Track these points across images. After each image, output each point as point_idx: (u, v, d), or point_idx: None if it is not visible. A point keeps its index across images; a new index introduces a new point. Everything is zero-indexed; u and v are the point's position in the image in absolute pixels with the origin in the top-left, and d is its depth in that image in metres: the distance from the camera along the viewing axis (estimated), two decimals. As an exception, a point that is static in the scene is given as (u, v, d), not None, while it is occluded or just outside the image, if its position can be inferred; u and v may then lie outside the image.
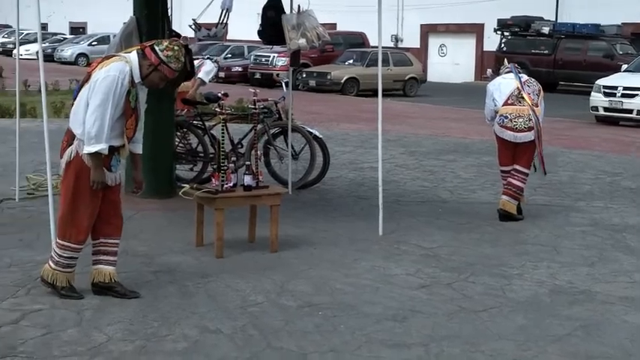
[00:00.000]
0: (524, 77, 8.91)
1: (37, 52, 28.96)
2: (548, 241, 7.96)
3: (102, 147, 5.59)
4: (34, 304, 5.69)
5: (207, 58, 11.79)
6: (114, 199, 5.91)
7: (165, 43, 5.76)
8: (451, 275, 6.75)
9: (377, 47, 8.26)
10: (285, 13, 9.37)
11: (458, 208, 9.48)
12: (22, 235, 7.60)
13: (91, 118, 5.54)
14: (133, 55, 5.70)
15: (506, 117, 8.61)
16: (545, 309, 5.99)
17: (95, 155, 5.61)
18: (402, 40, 42.18)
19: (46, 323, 5.35)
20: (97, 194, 5.72)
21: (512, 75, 8.85)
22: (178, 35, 9.79)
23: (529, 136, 8.57)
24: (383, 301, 6.03)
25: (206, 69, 10.83)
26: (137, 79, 5.68)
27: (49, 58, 39.53)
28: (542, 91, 8.95)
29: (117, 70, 5.58)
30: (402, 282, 6.52)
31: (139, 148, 5.98)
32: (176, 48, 5.69)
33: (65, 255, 5.79)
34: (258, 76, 30.72)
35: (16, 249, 7.14)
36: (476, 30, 39.81)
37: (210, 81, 11.00)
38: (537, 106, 8.68)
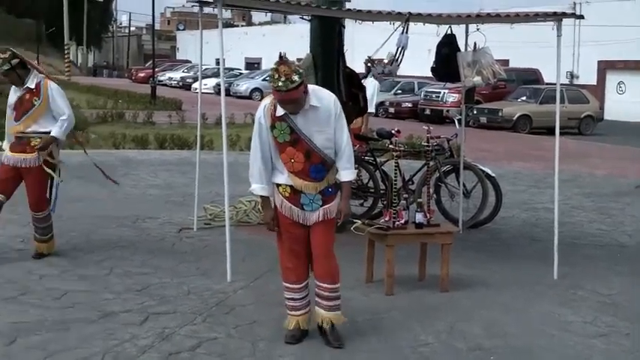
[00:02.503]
0: None
1: (214, 87, 29.99)
2: None
3: (252, 187, 5.69)
4: (210, 332, 5.87)
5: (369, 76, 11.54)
6: (319, 238, 5.61)
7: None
8: (631, 325, 6.43)
9: (551, 84, 8.09)
10: (459, 50, 9.31)
11: (638, 253, 9.06)
12: (199, 264, 7.88)
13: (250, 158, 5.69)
14: None
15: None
16: None
17: (260, 196, 5.72)
18: (577, 77, 41.03)
19: (222, 352, 5.50)
20: (289, 233, 5.66)
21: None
22: (353, 72, 9.98)
23: None
24: (558, 349, 5.82)
25: (369, 95, 10.83)
26: (280, 112, 5.47)
27: (225, 92, 40.98)
28: None
29: (259, 110, 5.61)
30: (579, 329, 6.28)
31: (345, 175, 5.61)
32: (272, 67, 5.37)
33: (285, 296, 5.84)
34: (428, 112, 30.70)
35: (193, 277, 7.40)
36: (657, 66, 38.18)
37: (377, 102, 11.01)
38: None
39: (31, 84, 7.75)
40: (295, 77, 5.22)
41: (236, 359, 5.38)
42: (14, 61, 7.70)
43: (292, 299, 5.77)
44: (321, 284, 5.64)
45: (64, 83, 51.05)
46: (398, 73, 9.94)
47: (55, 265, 7.63)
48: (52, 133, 7.72)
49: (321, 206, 5.57)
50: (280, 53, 5.37)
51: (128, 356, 5.35)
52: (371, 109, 10.94)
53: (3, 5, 73.82)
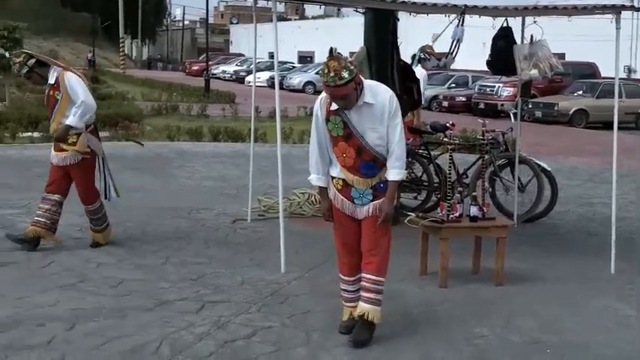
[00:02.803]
0: None
1: (267, 80, 30.16)
2: None
3: (310, 177, 5.74)
4: (265, 322, 5.92)
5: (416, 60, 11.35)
6: (367, 233, 5.56)
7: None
8: (691, 321, 6.33)
9: (608, 78, 7.98)
10: (516, 43, 9.22)
11: (697, 249, 8.89)
12: (253, 255, 7.94)
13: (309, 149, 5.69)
14: None
15: None
16: None
17: (318, 186, 5.75)
18: (635, 71, 40.32)
19: (276, 340, 5.54)
20: (341, 226, 5.68)
21: None
22: (407, 65, 9.95)
23: None
24: (615, 344, 5.75)
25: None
26: (335, 106, 5.42)
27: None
28: None
29: (316, 102, 5.58)
30: (637, 325, 6.19)
31: (392, 174, 5.49)
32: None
33: (340, 287, 5.86)
34: (482, 106, 30.42)
35: (248, 267, 7.46)
36: None
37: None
38: None
39: (51, 79, 7.74)
40: (344, 74, 5.15)
41: (290, 348, 5.41)
42: (31, 62, 7.73)
43: (346, 291, 5.79)
44: (365, 275, 5.60)
45: (119, 76, 51.86)
46: (452, 67, 9.90)
47: (112, 254, 7.75)
48: (66, 122, 7.63)
49: (371, 201, 5.52)
50: (331, 48, 5.32)
51: (185, 343, 5.42)
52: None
53: (59, -1, 75.15)
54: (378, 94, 5.41)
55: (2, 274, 6.97)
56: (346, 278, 5.77)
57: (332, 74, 5.15)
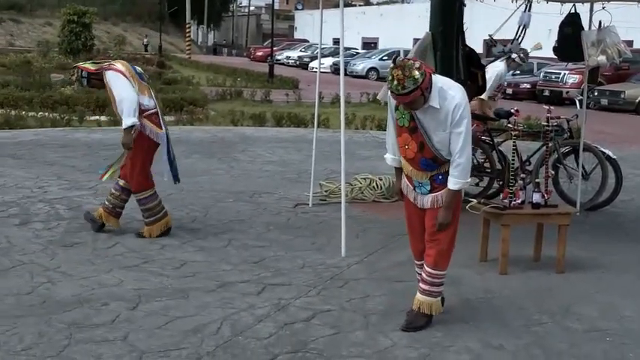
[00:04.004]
0: None
1: (331, 66, 30.29)
2: None
3: (385, 155, 5.75)
4: (324, 305, 5.98)
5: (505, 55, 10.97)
6: (428, 224, 5.53)
7: None
8: None
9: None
10: (583, 29, 9.08)
11: None
12: (314, 239, 8.00)
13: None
14: None
15: None
16: None
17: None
18: None
19: (335, 324, 5.60)
20: (407, 210, 5.71)
21: None
22: (472, 51, 9.86)
23: None
24: (678, 334, 5.68)
25: (489, 84, 10.46)
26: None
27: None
28: None
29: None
30: (701, 316, 6.10)
31: (451, 183, 5.35)
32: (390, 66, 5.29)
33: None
34: (546, 93, 30.00)
35: (308, 251, 7.53)
36: None
37: (494, 88, 10.58)
38: None
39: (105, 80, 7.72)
40: (408, 83, 5.04)
41: (349, 332, 5.46)
42: (84, 73, 7.78)
43: (417, 272, 5.79)
44: (424, 266, 5.60)
45: (185, 61, 52.42)
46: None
47: (176, 236, 7.88)
48: (122, 127, 7.50)
49: (430, 192, 5.47)
50: (394, 57, 5.28)
51: (245, 324, 5.51)
52: (486, 94, 10.52)
53: (127, -15, 76.20)
54: (446, 99, 5.22)
55: (69, 254, 7.16)
56: (415, 261, 5.82)
57: (395, 83, 5.10)
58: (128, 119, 7.45)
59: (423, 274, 5.59)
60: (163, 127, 7.80)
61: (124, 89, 7.52)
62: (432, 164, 5.40)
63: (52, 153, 12.97)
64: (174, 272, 6.72)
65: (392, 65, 5.19)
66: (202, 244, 7.69)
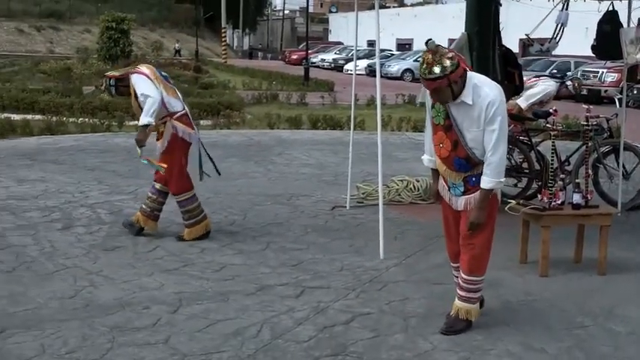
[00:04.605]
0: None
1: (366, 68, 30.27)
2: None
3: (423, 157, 5.72)
4: (363, 308, 5.97)
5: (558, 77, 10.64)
6: (462, 227, 5.45)
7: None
8: None
9: None
10: (622, 26, 8.99)
11: None
12: (352, 241, 8.00)
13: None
14: None
15: None
16: None
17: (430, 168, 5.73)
18: None
19: (375, 327, 5.59)
20: (443, 212, 5.67)
21: None
22: (509, 50, 9.81)
23: None
24: None
25: (532, 92, 10.31)
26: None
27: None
28: None
29: None
30: None
31: (484, 182, 5.25)
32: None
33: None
34: (585, 92, 29.67)
35: (346, 254, 7.53)
36: None
37: (535, 103, 10.40)
38: None
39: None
40: (436, 69, 5.02)
41: (388, 334, 5.45)
42: (112, 82, 7.85)
43: (454, 275, 5.75)
44: (460, 272, 5.56)
45: (221, 66, 52.70)
46: (554, 52, 9.68)
47: (215, 240, 7.93)
48: (139, 123, 7.50)
49: (463, 193, 5.41)
50: (427, 41, 5.26)
51: (285, 327, 5.53)
52: (526, 104, 10.26)
53: (163, -9, 76.83)
54: (480, 95, 5.14)
55: (110, 258, 7.23)
56: (451, 263, 5.77)
57: (424, 66, 5.09)
58: (145, 118, 7.45)
59: (460, 281, 5.55)
60: (195, 127, 7.89)
61: (148, 89, 7.56)
62: (466, 164, 5.34)
63: (92, 158, 13.12)
64: (214, 275, 6.76)
65: (425, 49, 5.16)
66: (241, 247, 7.72)
